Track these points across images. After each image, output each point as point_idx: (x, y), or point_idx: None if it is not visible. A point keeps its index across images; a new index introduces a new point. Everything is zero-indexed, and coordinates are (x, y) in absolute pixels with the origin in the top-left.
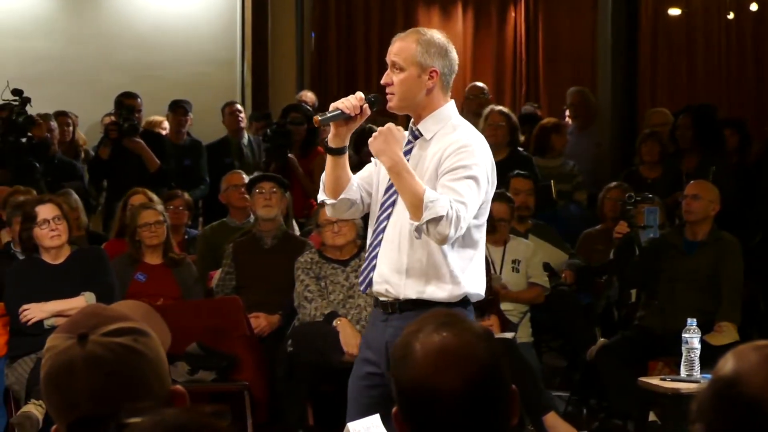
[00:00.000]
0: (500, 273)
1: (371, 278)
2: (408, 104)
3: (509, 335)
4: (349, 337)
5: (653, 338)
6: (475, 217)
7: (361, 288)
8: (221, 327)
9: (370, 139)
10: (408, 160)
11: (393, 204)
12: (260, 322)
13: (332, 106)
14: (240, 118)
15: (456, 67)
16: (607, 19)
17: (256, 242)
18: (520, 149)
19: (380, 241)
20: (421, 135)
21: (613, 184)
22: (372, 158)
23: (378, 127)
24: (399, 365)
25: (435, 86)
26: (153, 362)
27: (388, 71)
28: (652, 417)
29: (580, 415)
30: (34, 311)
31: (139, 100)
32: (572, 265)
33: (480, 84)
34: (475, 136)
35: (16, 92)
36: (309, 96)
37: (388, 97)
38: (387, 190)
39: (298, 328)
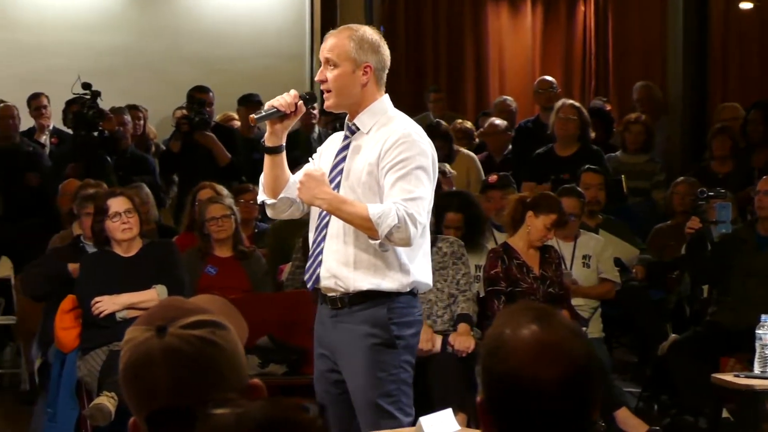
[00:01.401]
0: (571, 268)
1: (318, 274)
2: (343, 101)
3: None
4: None
5: (725, 334)
6: None
7: (308, 285)
8: (292, 320)
9: (298, 189)
10: (345, 156)
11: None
12: None
13: (267, 104)
14: (312, 113)
15: (388, 63)
16: (677, 12)
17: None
18: (591, 145)
19: (324, 236)
20: (358, 129)
21: (680, 179)
22: (310, 158)
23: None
24: (491, 356)
25: (369, 81)
26: (230, 355)
27: (322, 68)
28: (724, 414)
29: (651, 410)
30: (106, 304)
31: (210, 94)
32: (643, 261)
33: (549, 78)
34: (412, 126)
35: (86, 86)
36: None
37: (325, 96)
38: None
39: None
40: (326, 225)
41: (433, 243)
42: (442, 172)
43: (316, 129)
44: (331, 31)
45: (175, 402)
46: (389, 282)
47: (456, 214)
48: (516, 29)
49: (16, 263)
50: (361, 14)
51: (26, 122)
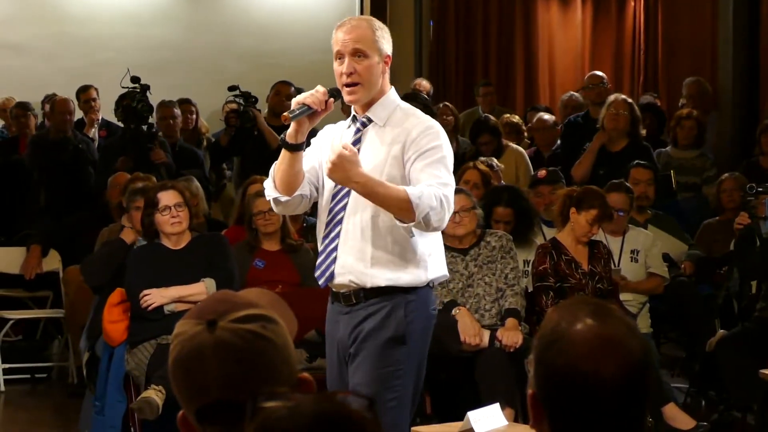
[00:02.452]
0: (619, 263)
1: (332, 271)
2: (370, 93)
3: None
4: (467, 327)
5: None
6: None
7: (320, 282)
8: None
9: (327, 173)
10: (359, 149)
11: (348, 194)
12: None
13: (296, 101)
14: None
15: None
16: (728, 7)
17: None
18: (641, 141)
19: (338, 232)
20: (371, 121)
21: (726, 175)
22: (308, 147)
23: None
24: (547, 348)
25: (386, 73)
26: (281, 349)
27: (349, 60)
28: None
29: (699, 406)
30: (154, 297)
31: (292, 88)
32: (692, 256)
33: (599, 73)
34: (431, 118)
35: (135, 79)
36: (424, 84)
37: (350, 90)
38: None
39: None
40: (340, 221)
41: (482, 237)
42: (490, 166)
43: None
44: (347, 23)
45: (225, 396)
46: (407, 276)
47: (505, 208)
48: (566, 24)
49: (65, 257)
50: (411, 8)
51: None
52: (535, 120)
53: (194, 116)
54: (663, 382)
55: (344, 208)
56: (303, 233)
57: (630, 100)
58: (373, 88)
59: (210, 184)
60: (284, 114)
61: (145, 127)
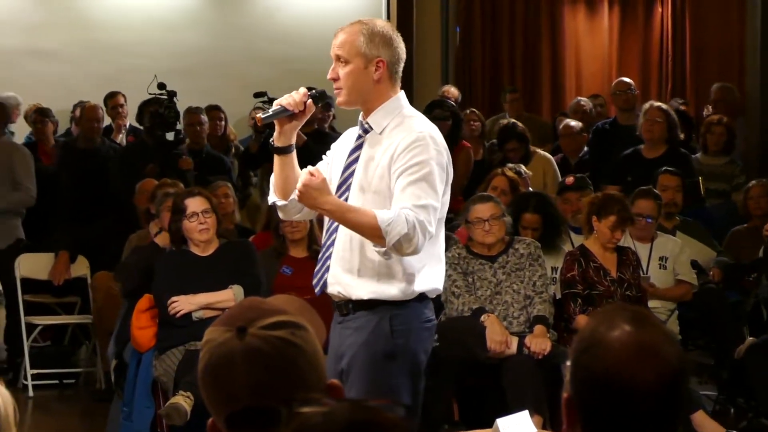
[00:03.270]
0: (647, 270)
1: (326, 280)
2: (356, 98)
3: None
4: (495, 334)
5: None
6: None
7: (316, 291)
8: None
9: (297, 198)
10: (358, 157)
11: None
12: None
13: (275, 103)
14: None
15: (404, 56)
16: (755, 12)
17: None
18: (679, 148)
19: (333, 241)
20: (372, 129)
21: (753, 182)
22: (324, 156)
23: None
24: (584, 353)
25: (383, 77)
26: (310, 356)
27: (334, 66)
28: None
29: (728, 414)
30: (182, 303)
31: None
32: (720, 263)
33: (627, 79)
34: (427, 127)
35: (161, 86)
36: (452, 91)
37: (336, 92)
38: (338, 188)
39: (445, 322)
40: (336, 230)
41: (510, 244)
42: (517, 173)
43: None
44: (342, 27)
45: (254, 403)
46: (391, 290)
47: (533, 214)
48: (593, 30)
49: (93, 263)
50: (438, 15)
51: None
52: (561, 126)
53: (223, 123)
54: (691, 389)
55: None
56: None
57: (665, 107)
58: (356, 93)
59: (237, 191)
60: (257, 115)
61: (172, 134)
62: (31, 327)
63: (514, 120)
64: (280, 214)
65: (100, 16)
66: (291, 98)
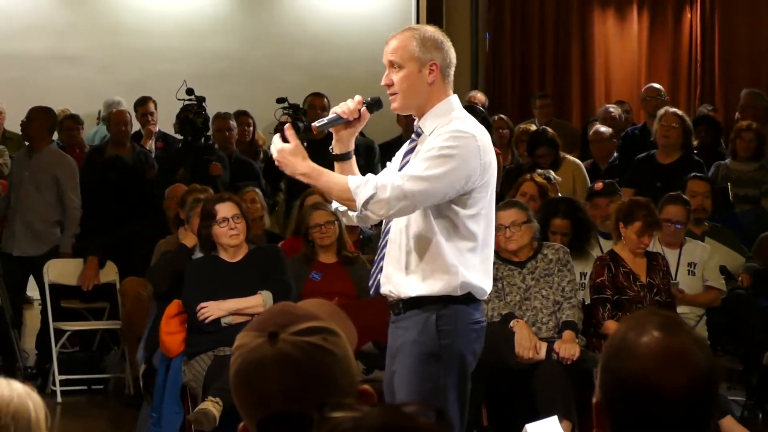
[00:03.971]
0: (676, 276)
1: (379, 280)
2: (412, 102)
3: None
4: (524, 339)
5: None
6: (467, 207)
7: (371, 292)
8: None
9: (278, 166)
10: (410, 160)
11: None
12: None
13: (331, 111)
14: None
15: (454, 60)
16: None
17: None
18: (694, 154)
19: (386, 242)
20: (423, 132)
21: None
22: (388, 163)
23: None
24: (614, 357)
25: (436, 79)
26: (342, 361)
27: (387, 72)
28: None
29: (756, 419)
30: (211, 309)
31: (325, 99)
32: (749, 269)
33: (656, 85)
34: (472, 126)
35: (189, 92)
36: (479, 97)
37: (390, 98)
38: None
39: None
40: (388, 231)
41: (539, 250)
42: (547, 179)
43: None
44: (393, 34)
45: (286, 408)
46: (436, 283)
47: (563, 220)
48: (622, 36)
49: (122, 268)
50: (468, 20)
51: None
52: (591, 132)
53: (251, 128)
54: (720, 395)
55: (392, 219)
56: (360, 245)
57: (681, 113)
58: (411, 97)
59: (266, 196)
60: (313, 124)
61: (202, 140)
62: (59, 332)
63: (544, 126)
64: (344, 220)
65: (127, 20)
66: (346, 106)
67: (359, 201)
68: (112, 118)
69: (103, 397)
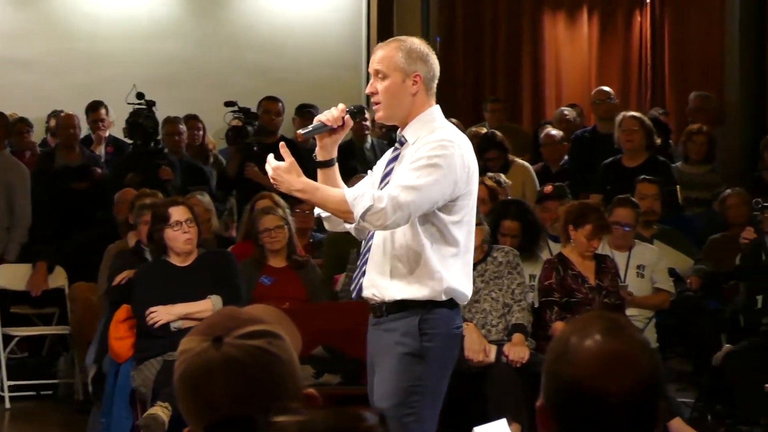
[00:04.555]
0: (625, 278)
1: (361, 284)
2: (394, 112)
3: None
4: (473, 343)
5: None
6: (451, 214)
7: (353, 295)
8: (347, 330)
9: (273, 185)
10: (393, 168)
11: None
12: None
13: (315, 119)
14: (364, 124)
15: (438, 72)
16: (734, 21)
17: None
18: (659, 156)
19: (369, 247)
20: (406, 141)
21: (729, 191)
22: (369, 170)
23: None
24: (557, 361)
25: (419, 91)
26: (287, 365)
27: (372, 81)
28: None
29: (706, 421)
30: (161, 314)
31: (280, 104)
32: (698, 271)
33: (606, 88)
34: (454, 134)
35: (140, 95)
36: None
37: (375, 107)
38: None
39: None
40: (372, 237)
41: (489, 252)
42: (497, 182)
43: (369, 139)
44: (380, 44)
45: (233, 412)
46: (422, 289)
47: (513, 222)
48: (573, 39)
49: (71, 273)
50: (418, 24)
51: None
52: (542, 135)
53: (201, 132)
54: (669, 396)
55: None
56: (310, 249)
57: (639, 115)
58: (395, 107)
59: (217, 200)
60: (298, 131)
61: (152, 144)
62: (8, 338)
63: (492, 129)
64: (327, 226)
65: (79, 25)
66: (330, 114)
67: (357, 213)
68: (60, 122)
69: (52, 402)
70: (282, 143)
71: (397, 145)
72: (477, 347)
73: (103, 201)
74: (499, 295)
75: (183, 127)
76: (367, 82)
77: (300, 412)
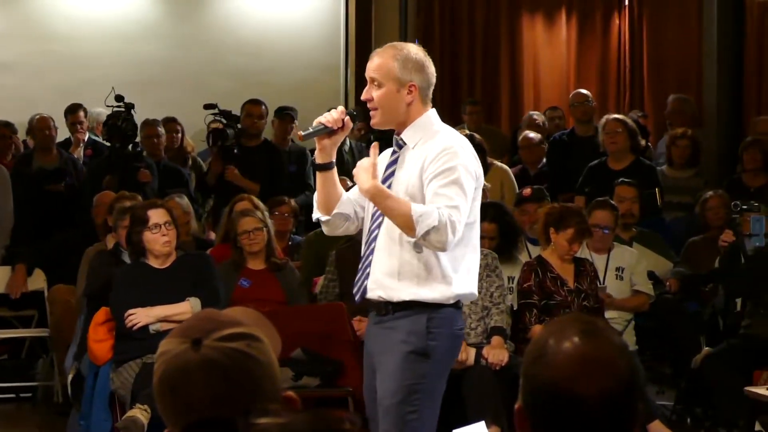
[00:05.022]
0: (604, 281)
1: (365, 286)
2: (390, 118)
3: None
4: None
5: (759, 347)
6: (467, 216)
7: (356, 299)
8: (326, 333)
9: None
10: (394, 171)
11: (383, 214)
12: (364, 326)
13: (315, 121)
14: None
15: (434, 80)
16: (712, 24)
17: (360, 249)
18: (644, 159)
19: (372, 249)
20: (405, 144)
21: (710, 193)
22: (346, 178)
23: None
24: (535, 363)
25: (414, 100)
26: (266, 367)
27: (368, 87)
28: (757, 426)
29: (685, 423)
30: (139, 316)
31: (263, 107)
32: (677, 273)
33: (584, 91)
34: (457, 139)
35: (119, 98)
36: None
37: (371, 113)
38: None
39: None
40: (375, 239)
41: None
42: None
43: (348, 141)
44: (376, 50)
45: (211, 414)
46: (431, 292)
47: (490, 224)
48: (551, 41)
49: (50, 276)
50: (396, 27)
51: (62, 132)
52: (521, 138)
53: (179, 135)
54: (648, 399)
55: (379, 226)
56: (289, 252)
57: (621, 117)
58: (390, 113)
59: (195, 203)
60: (299, 132)
61: (130, 147)
62: None
63: (471, 132)
64: (325, 229)
65: (58, 27)
66: (330, 116)
67: (421, 230)
68: (36, 124)
69: (31, 404)
70: (375, 143)
71: (395, 148)
72: None
73: (80, 203)
74: (478, 298)
75: (161, 130)
76: (346, 84)
77: (280, 414)
